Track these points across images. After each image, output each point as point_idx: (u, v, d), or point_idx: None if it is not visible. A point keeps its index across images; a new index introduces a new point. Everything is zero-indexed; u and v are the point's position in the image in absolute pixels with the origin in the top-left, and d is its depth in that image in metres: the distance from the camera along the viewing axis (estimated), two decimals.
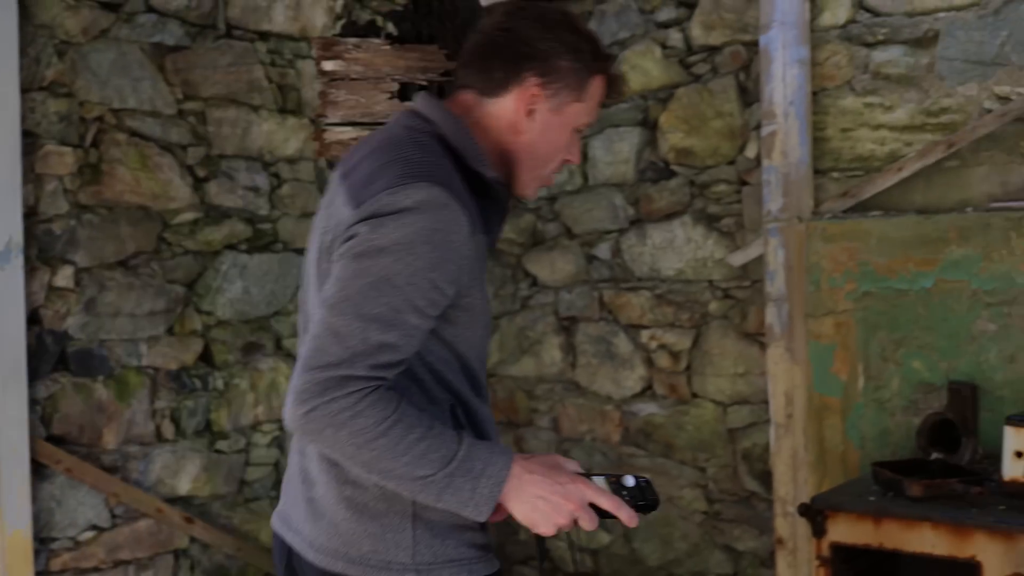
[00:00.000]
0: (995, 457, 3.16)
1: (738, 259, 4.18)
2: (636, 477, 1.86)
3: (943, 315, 3.58)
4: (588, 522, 1.78)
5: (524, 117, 1.92)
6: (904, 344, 3.67)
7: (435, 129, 1.89)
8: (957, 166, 3.67)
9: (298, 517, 1.97)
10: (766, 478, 4.21)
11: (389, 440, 1.69)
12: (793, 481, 3.99)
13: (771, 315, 4.00)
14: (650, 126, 4.54)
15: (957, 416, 3.52)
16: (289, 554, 1.98)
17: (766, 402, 4.13)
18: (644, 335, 4.64)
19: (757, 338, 4.22)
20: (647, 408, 4.68)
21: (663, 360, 4.59)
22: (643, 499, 1.83)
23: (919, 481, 3.09)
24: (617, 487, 1.84)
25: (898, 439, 3.71)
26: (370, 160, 1.84)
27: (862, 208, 3.83)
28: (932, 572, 3.30)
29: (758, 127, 4.10)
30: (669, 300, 4.54)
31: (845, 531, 3.11)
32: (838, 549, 3.15)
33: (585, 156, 4.71)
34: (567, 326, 4.94)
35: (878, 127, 3.83)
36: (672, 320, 4.54)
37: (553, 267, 4.94)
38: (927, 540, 2.98)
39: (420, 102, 1.96)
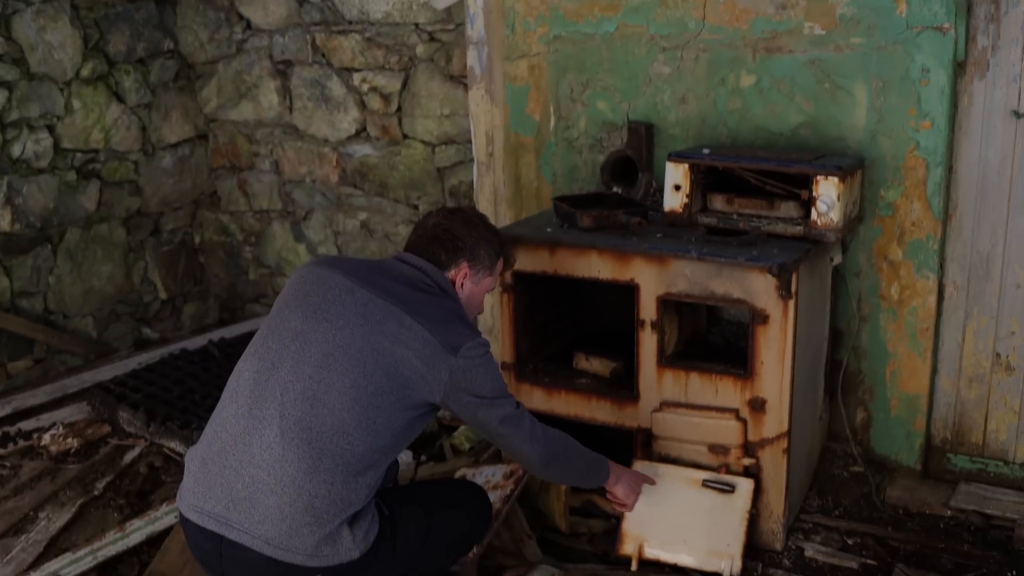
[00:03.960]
0: None
1: (441, 2, 4.26)
2: None
3: (624, 58, 3.79)
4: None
5: (460, 286, 2.79)
6: (590, 86, 3.88)
7: (440, 285, 2.74)
8: None
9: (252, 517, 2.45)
10: None
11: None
12: (494, 215, 4.25)
13: (472, 58, 4.14)
14: None
15: (635, 153, 3.80)
16: (220, 543, 2.45)
17: (470, 142, 4.33)
18: (356, 78, 4.72)
19: (461, 80, 4.36)
20: (362, 149, 4.81)
21: (375, 102, 4.69)
22: None
23: (588, 212, 3.38)
24: None
25: (585, 175, 3.98)
26: (424, 302, 2.64)
27: None
28: (604, 294, 3.66)
29: None
30: (379, 43, 4.60)
31: (525, 260, 3.38)
32: (520, 277, 3.43)
33: None
34: (282, 70, 4.94)
35: None
36: (382, 63, 4.62)
37: (266, 9, 4.89)
38: (594, 266, 3.30)
39: (420, 263, 2.75)
